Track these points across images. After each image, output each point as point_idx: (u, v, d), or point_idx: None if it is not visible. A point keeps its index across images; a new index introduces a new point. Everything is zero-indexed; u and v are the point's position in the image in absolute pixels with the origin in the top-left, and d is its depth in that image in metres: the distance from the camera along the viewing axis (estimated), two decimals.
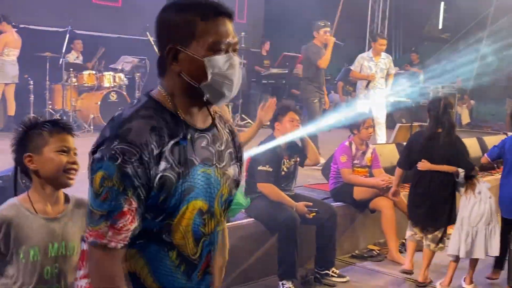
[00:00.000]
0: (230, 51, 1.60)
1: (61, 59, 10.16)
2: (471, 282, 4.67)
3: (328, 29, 7.85)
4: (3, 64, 9.41)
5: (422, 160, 4.67)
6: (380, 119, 8.32)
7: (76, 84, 10.23)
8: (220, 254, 1.84)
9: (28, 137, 2.20)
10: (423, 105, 10.17)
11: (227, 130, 1.76)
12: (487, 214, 4.49)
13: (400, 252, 5.32)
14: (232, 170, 1.73)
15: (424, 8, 15.98)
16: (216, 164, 1.66)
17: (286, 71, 12.95)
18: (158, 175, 1.50)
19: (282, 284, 4.38)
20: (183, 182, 1.55)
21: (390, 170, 5.79)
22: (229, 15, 1.60)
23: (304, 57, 8.11)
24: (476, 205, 4.51)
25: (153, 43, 11.37)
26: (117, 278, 1.50)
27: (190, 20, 1.56)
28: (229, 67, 1.59)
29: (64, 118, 10.01)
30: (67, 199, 2.28)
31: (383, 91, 8.32)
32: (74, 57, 10.69)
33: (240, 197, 4.21)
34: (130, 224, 1.48)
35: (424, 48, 16.06)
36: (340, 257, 5.16)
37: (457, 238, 4.55)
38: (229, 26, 1.60)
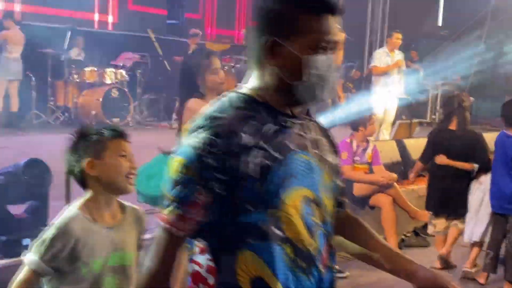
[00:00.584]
0: (329, 50, 1.48)
1: (62, 56, 10.16)
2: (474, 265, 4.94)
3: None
4: (6, 60, 9.42)
5: (440, 154, 4.95)
6: (389, 117, 8.34)
7: (77, 80, 10.23)
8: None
9: (85, 144, 2.12)
10: (423, 102, 10.20)
11: (317, 122, 1.64)
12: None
13: (400, 248, 5.31)
14: (330, 158, 1.60)
15: (423, 5, 15.97)
16: (315, 150, 1.54)
17: None
18: (252, 163, 1.39)
19: None
20: (280, 168, 1.42)
21: (390, 167, 5.79)
22: (336, 11, 1.48)
23: None
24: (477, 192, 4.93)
25: (154, 40, 11.40)
26: (173, 264, 1.43)
27: (294, 13, 1.45)
28: (327, 69, 1.47)
29: (66, 114, 10.03)
30: (122, 206, 2.21)
31: (397, 89, 8.37)
32: (76, 53, 10.67)
33: None
34: (198, 216, 1.40)
35: (423, 45, 16.04)
36: (340, 253, 5.15)
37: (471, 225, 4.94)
38: (334, 23, 1.48)
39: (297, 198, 1.45)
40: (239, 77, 3.31)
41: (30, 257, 2.04)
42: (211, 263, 1.45)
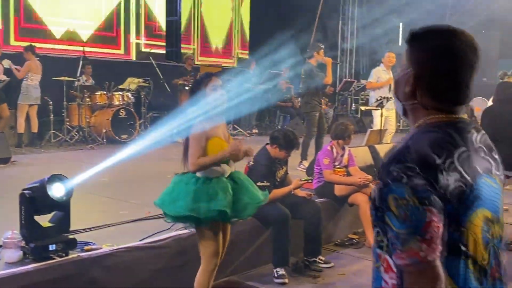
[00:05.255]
0: None
1: (75, 82, 10.14)
2: None
3: (322, 50, 7.79)
4: (27, 87, 9.38)
5: None
6: (393, 130, 8.35)
7: (89, 103, 10.20)
8: None
9: None
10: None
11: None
12: None
13: None
14: (502, 177, 1.49)
15: (386, 27, 16.09)
16: (496, 172, 1.44)
17: (271, 86, 12.97)
18: (452, 185, 1.30)
19: (276, 271, 4.36)
20: (471, 190, 1.33)
21: (365, 169, 5.81)
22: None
23: (306, 75, 7.75)
24: None
25: (155, 65, 11.40)
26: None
27: None
28: None
29: (80, 133, 9.98)
30: None
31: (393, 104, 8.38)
32: (83, 80, 10.64)
33: (257, 194, 3.92)
34: (438, 231, 1.27)
35: None
36: (325, 246, 5.15)
37: None
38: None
39: (481, 217, 1.36)
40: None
41: None
42: (395, 282, 1.34)
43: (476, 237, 1.35)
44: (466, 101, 1.43)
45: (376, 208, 1.33)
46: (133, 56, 12.95)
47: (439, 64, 1.38)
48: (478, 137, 1.42)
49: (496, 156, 1.47)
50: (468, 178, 1.33)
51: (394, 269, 1.33)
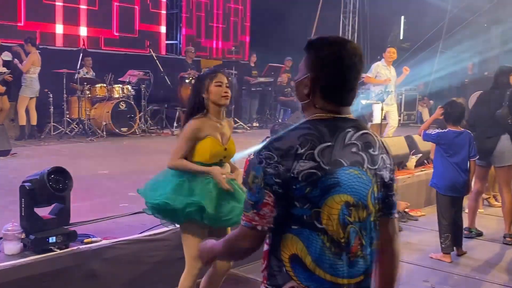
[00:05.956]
0: None
1: (76, 75, 10.13)
2: None
3: None
4: (31, 80, 9.37)
5: None
6: (395, 124, 8.30)
7: (89, 96, 10.19)
8: (391, 261, 1.82)
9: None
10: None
11: (382, 143, 1.77)
12: None
13: None
14: (384, 173, 1.72)
15: (386, 21, 16.06)
16: (368, 166, 1.67)
17: (272, 80, 12.96)
18: (304, 171, 1.58)
19: None
20: (328, 178, 1.59)
21: None
22: None
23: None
24: None
25: (155, 58, 11.38)
26: (248, 252, 1.67)
27: None
28: None
29: (80, 125, 9.98)
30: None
31: (394, 98, 8.34)
32: (84, 72, 10.62)
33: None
34: (271, 212, 1.60)
35: None
36: None
37: None
38: None
39: (339, 202, 1.62)
40: (231, 89, 3.20)
41: None
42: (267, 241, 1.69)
43: (332, 217, 1.61)
44: (350, 102, 1.71)
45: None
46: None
47: (330, 69, 1.66)
48: (354, 135, 1.67)
49: (375, 152, 1.70)
50: (326, 167, 1.59)
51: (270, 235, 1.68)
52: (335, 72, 1.66)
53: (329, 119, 1.67)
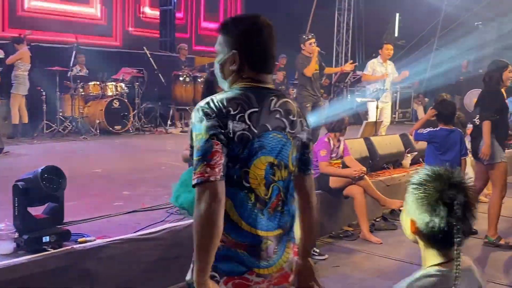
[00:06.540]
0: None
1: (69, 72, 10.09)
2: None
3: (313, 40, 7.65)
4: (24, 77, 9.31)
5: None
6: (387, 122, 8.31)
7: (83, 93, 10.16)
8: (310, 214, 1.97)
9: None
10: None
11: (298, 109, 1.95)
12: None
13: (370, 231, 5.35)
14: (302, 135, 1.92)
15: (381, 18, 16.08)
16: (289, 130, 1.86)
17: None
18: (238, 132, 1.73)
19: None
20: (257, 141, 1.77)
21: (360, 161, 5.82)
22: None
23: (296, 67, 7.95)
24: None
25: (149, 56, 11.35)
26: (215, 214, 1.66)
27: None
28: None
29: (73, 123, 9.95)
30: None
31: (389, 96, 8.34)
32: (77, 70, 10.58)
33: None
34: (220, 160, 1.69)
35: None
36: (320, 238, 5.18)
37: None
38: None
39: (264, 162, 1.80)
40: None
41: None
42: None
43: (259, 177, 1.78)
44: (272, 69, 1.91)
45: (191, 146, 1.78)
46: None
47: (254, 41, 1.83)
48: (277, 103, 1.86)
49: (293, 118, 1.89)
50: (255, 130, 1.76)
51: None
52: (258, 42, 1.83)
53: (255, 87, 1.83)
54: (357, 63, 11.15)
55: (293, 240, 1.92)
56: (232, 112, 1.73)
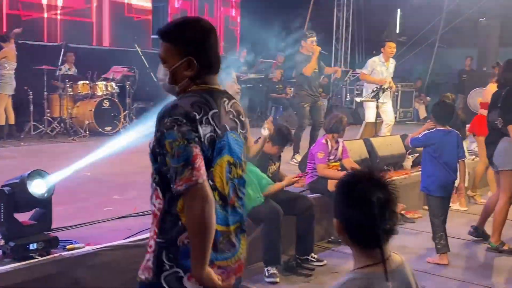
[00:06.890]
0: None
1: (57, 71, 10.06)
2: None
3: (314, 38, 7.63)
4: (10, 76, 9.25)
5: None
6: (391, 121, 8.28)
7: (71, 93, 10.14)
8: None
9: None
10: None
11: (243, 110, 2.11)
12: None
13: None
14: (249, 136, 2.14)
15: (382, 14, 16.10)
16: (240, 130, 2.04)
17: (263, 76, 12.95)
18: (207, 135, 1.86)
19: (267, 270, 4.39)
20: (220, 141, 1.92)
21: (359, 163, 5.84)
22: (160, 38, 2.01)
23: (295, 65, 7.91)
24: None
25: (141, 54, 11.33)
26: (207, 212, 1.79)
27: None
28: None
29: (62, 124, 9.92)
30: None
31: (389, 95, 8.28)
32: (66, 69, 10.55)
33: (256, 195, 4.27)
34: (202, 162, 1.82)
35: None
36: (318, 243, 5.19)
37: None
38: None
39: (225, 161, 1.95)
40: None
41: None
42: (161, 206, 1.91)
43: (221, 175, 1.94)
44: (218, 69, 2.02)
45: (154, 153, 1.89)
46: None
47: (206, 45, 1.96)
48: (229, 104, 2.01)
49: (243, 119, 2.06)
50: (219, 131, 1.91)
51: (161, 197, 1.90)
52: (210, 45, 1.97)
53: (208, 90, 1.96)
54: (356, 60, 11.14)
55: (244, 232, 2.09)
56: (198, 117, 1.84)
